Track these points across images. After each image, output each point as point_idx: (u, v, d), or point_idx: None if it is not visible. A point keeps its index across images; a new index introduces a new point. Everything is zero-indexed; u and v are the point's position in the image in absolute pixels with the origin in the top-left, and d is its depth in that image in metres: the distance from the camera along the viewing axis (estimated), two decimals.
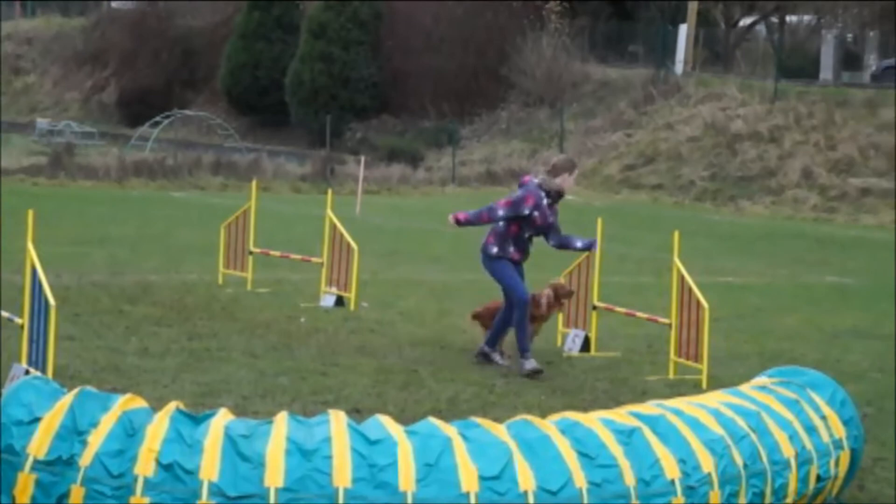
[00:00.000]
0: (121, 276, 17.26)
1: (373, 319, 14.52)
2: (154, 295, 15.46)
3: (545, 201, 11.59)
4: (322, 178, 41.81)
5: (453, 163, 46.57)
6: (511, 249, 11.61)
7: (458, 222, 11.82)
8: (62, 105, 63.13)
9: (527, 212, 11.50)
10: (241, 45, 56.93)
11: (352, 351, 12.33)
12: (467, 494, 5.93)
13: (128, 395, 6.30)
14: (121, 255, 20.09)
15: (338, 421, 6.19)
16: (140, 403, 6.27)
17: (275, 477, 5.81)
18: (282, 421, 6.15)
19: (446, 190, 42.82)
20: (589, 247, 12.23)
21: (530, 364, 11.43)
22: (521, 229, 11.61)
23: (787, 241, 30.57)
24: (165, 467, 5.81)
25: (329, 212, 16.03)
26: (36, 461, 5.83)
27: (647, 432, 6.51)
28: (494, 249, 11.68)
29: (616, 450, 6.32)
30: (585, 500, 6.07)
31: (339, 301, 15.51)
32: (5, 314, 10.56)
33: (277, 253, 17.65)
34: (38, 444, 5.86)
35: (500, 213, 11.59)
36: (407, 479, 5.92)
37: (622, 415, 6.75)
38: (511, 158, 48.34)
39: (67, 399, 6.08)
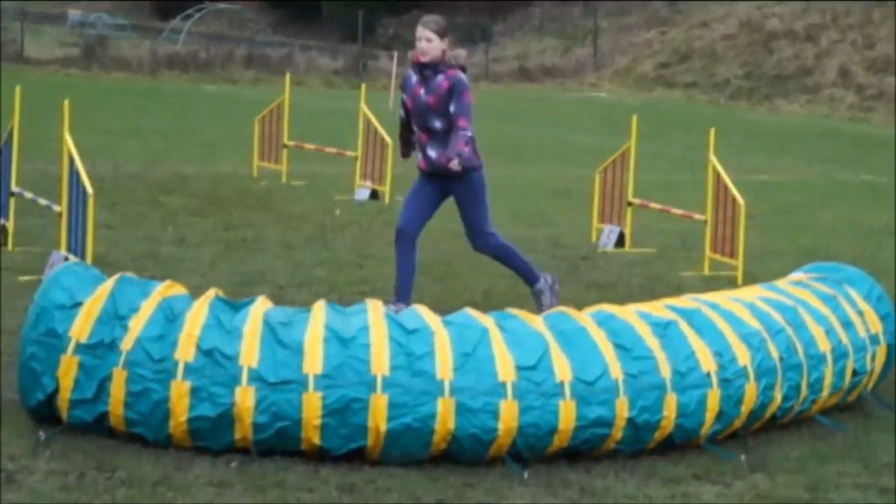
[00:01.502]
0: (156, 167, 17.33)
1: None
2: (189, 186, 15.52)
3: (413, 78, 8.88)
4: (354, 73, 41.68)
5: (486, 59, 46.26)
6: (419, 157, 9.04)
7: (407, 154, 9.24)
8: None
9: (402, 97, 8.99)
10: None
11: (386, 243, 12.31)
12: (504, 384, 5.97)
13: (167, 282, 6.35)
14: (155, 146, 20.15)
15: (375, 310, 6.23)
16: (179, 290, 6.32)
17: (313, 363, 5.86)
18: (319, 309, 6.19)
19: (479, 86, 42.58)
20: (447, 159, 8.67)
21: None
22: (412, 124, 9.01)
23: (822, 140, 30.37)
24: (205, 352, 5.87)
25: (363, 106, 15.99)
26: (78, 344, 5.90)
27: (683, 325, 6.52)
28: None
29: (652, 342, 6.33)
30: (621, 391, 6.11)
31: (374, 194, 15.53)
32: (43, 202, 10.61)
33: (311, 146, 17.65)
34: (80, 328, 5.93)
35: (401, 111, 9.07)
36: (444, 367, 5.96)
37: (658, 308, 6.76)
38: (544, 55, 48.04)
39: (108, 284, 6.14)
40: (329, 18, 54.34)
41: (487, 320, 6.32)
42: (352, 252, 11.72)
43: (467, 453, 5.95)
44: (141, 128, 23.11)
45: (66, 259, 9.29)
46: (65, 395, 5.88)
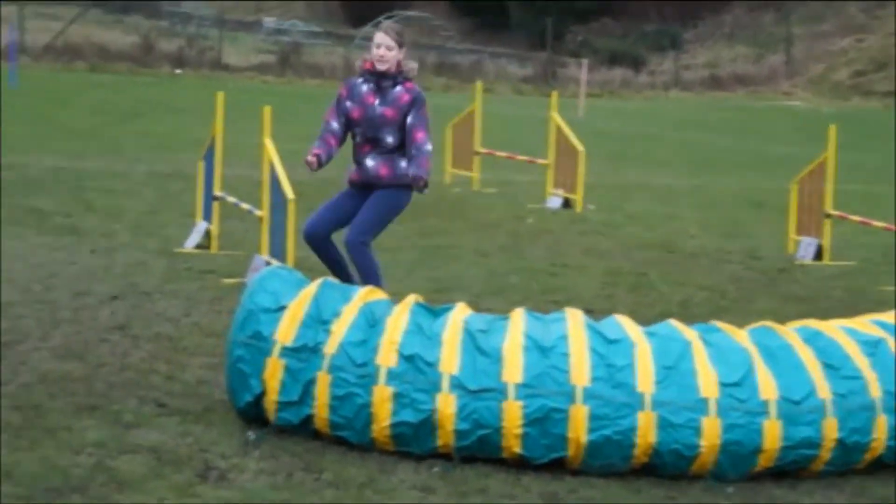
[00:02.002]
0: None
1: (599, 222, 14.49)
2: None
3: (364, 87, 8.40)
4: (544, 81, 41.67)
5: (676, 67, 45.83)
6: (352, 167, 8.69)
7: (318, 158, 8.49)
8: (287, 5, 64.06)
9: (343, 104, 8.48)
10: None
11: (580, 252, 12.33)
12: (706, 400, 5.88)
13: (368, 287, 6.43)
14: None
15: (574, 319, 6.20)
16: (380, 295, 6.40)
17: (513, 372, 5.86)
18: (519, 317, 6.19)
19: (669, 94, 42.24)
20: (413, 179, 8.29)
21: None
22: (353, 133, 8.58)
23: None
24: (407, 358, 5.92)
25: (554, 114, 15.99)
26: (283, 347, 6.00)
27: (892, 343, 6.35)
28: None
29: (861, 361, 6.17)
30: (830, 412, 5.97)
31: (566, 203, 15.52)
32: (245, 206, 10.85)
33: (503, 154, 17.70)
34: (285, 331, 6.03)
35: (329, 118, 8.55)
36: (645, 380, 5.90)
37: (865, 324, 6.58)
38: (735, 63, 47.39)
39: (311, 289, 6.24)
40: (518, 26, 54.45)
41: (691, 333, 6.24)
42: (545, 260, 11.72)
43: (669, 468, 5.89)
44: None
45: (268, 263, 9.48)
46: (272, 398, 5.99)
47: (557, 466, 5.84)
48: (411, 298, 6.32)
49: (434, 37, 53.94)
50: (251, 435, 5.97)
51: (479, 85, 17.98)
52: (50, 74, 34.16)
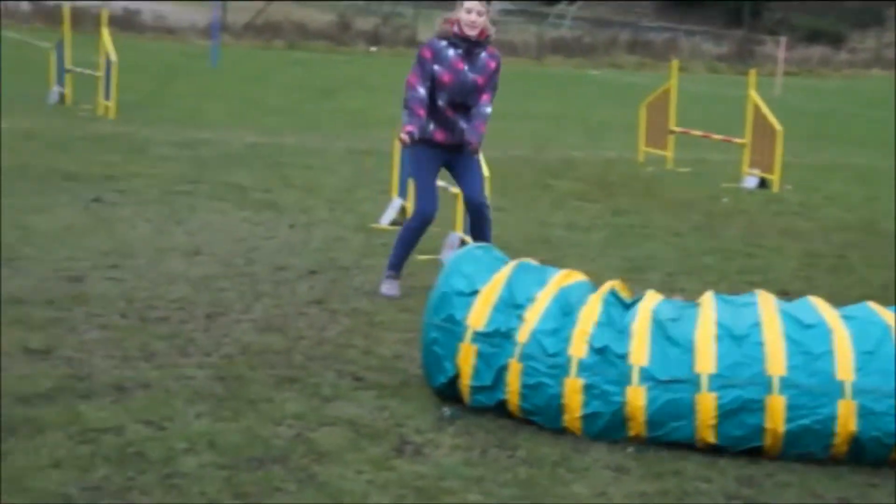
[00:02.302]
0: (544, 151, 17.58)
1: (797, 202, 14.22)
2: (577, 170, 15.67)
3: (451, 51, 8.40)
4: (739, 59, 40.99)
5: (878, 44, 44.61)
6: (430, 127, 8.50)
7: (411, 136, 8.34)
8: None
9: (428, 67, 8.37)
10: None
11: (776, 233, 12.12)
12: None
13: (564, 271, 6.38)
14: (543, 130, 20.45)
15: (766, 304, 6.02)
16: (577, 277, 6.34)
17: (705, 362, 5.75)
18: (709, 303, 6.07)
19: (871, 72, 41.15)
20: (469, 138, 8.48)
21: (388, 288, 8.69)
22: (436, 97, 8.44)
23: None
24: (597, 350, 5.86)
25: (752, 92, 15.73)
26: (475, 332, 6.01)
27: None
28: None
29: None
30: None
31: (762, 183, 15.27)
32: (441, 183, 10.91)
33: (698, 132, 17.50)
34: (477, 316, 6.04)
35: (416, 84, 8.39)
36: (844, 367, 5.73)
37: None
38: None
39: (505, 272, 6.21)
40: (714, 3, 53.65)
41: (890, 316, 6.05)
42: (740, 241, 11.55)
43: (869, 456, 5.74)
44: (529, 112, 23.50)
45: (463, 240, 9.55)
46: (465, 382, 6.01)
47: (754, 450, 5.76)
48: (607, 286, 6.25)
49: (628, 14, 53.50)
50: (446, 411, 6.03)
51: (674, 63, 17.80)
52: (249, 52, 34.89)
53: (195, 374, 6.39)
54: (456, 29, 8.41)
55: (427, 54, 8.45)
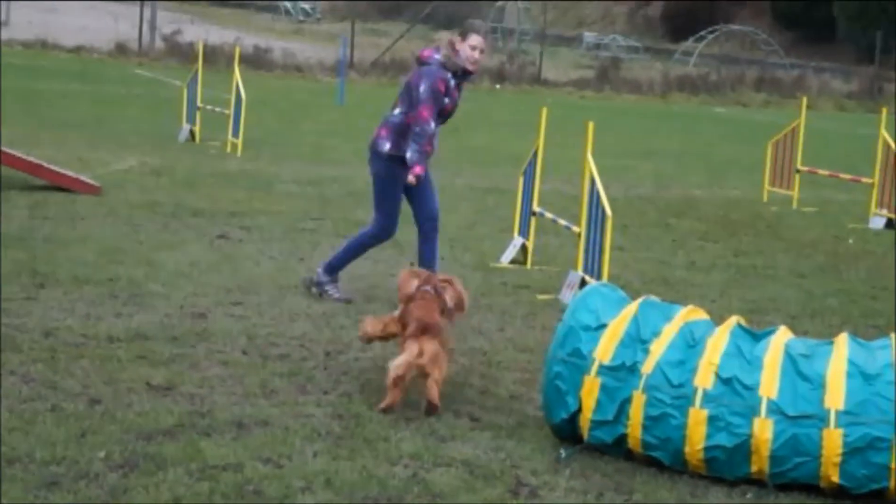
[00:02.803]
0: (666, 190, 17.48)
1: None
2: (699, 209, 15.56)
3: (453, 81, 8.95)
4: (869, 96, 40.40)
5: None
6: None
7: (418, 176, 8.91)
8: (609, 18, 64.22)
9: (441, 100, 8.90)
10: None
11: None
12: None
13: (689, 307, 6.39)
14: (665, 168, 20.34)
15: None
16: (701, 315, 6.36)
17: (835, 398, 5.72)
18: (843, 342, 6.04)
19: None
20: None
21: (340, 293, 9.28)
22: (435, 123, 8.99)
23: None
24: (724, 381, 5.85)
25: (882, 130, 15.50)
26: (601, 366, 6.04)
27: None
28: (387, 146, 8.99)
29: None
30: None
31: (889, 224, 15.02)
32: (562, 222, 10.93)
33: (825, 172, 17.27)
34: (604, 350, 6.07)
35: (430, 119, 8.87)
36: None
37: None
38: None
39: (632, 307, 6.26)
40: (844, 39, 52.99)
41: None
42: (866, 283, 11.36)
43: None
44: (651, 149, 23.39)
45: (583, 280, 9.53)
46: (587, 415, 6.03)
47: (875, 497, 5.66)
48: (733, 320, 6.26)
49: (755, 51, 53.06)
50: (563, 452, 6.02)
51: (803, 100, 17.61)
52: (375, 90, 35.23)
53: (314, 412, 6.46)
54: (460, 61, 8.93)
55: (442, 87, 8.90)
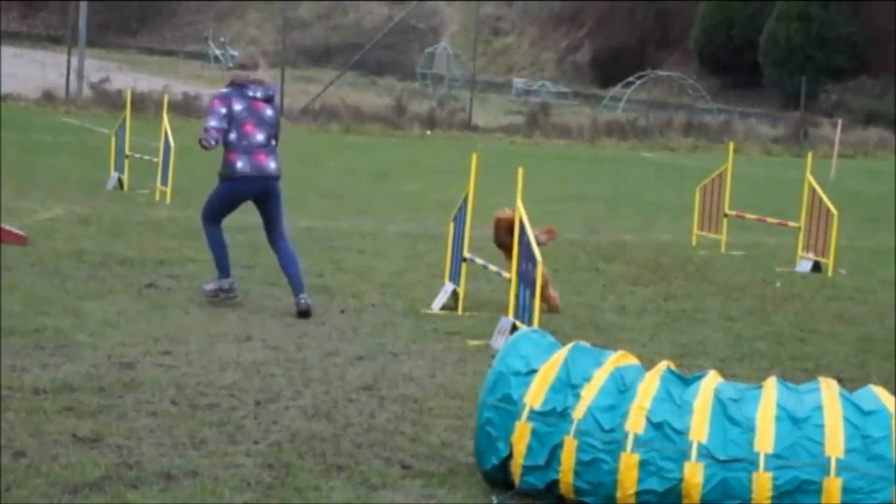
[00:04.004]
0: (596, 234, 17.57)
1: (851, 286, 14.10)
2: (629, 254, 15.65)
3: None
4: (795, 141, 40.94)
5: None
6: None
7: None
8: (538, 65, 64.71)
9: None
10: (715, 5, 56.49)
11: (830, 318, 12.02)
12: None
13: (620, 352, 6.42)
14: (595, 213, 20.46)
15: (829, 389, 6.04)
16: (631, 360, 6.38)
17: (765, 442, 5.75)
18: (771, 386, 6.08)
19: None
20: None
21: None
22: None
23: None
24: (655, 425, 5.87)
25: (808, 175, 15.68)
26: (532, 411, 6.03)
27: None
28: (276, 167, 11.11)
29: None
30: None
31: (816, 266, 15.17)
32: (493, 268, 10.94)
33: (752, 216, 17.43)
34: (534, 395, 6.07)
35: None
36: None
37: None
38: None
39: (562, 353, 6.27)
40: (770, 85, 53.71)
41: None
42: (794, 326, 11.46)
43: None
44: (581, 194, 23.53)
45: (514, 325, 9.54)
46: (518, 461, 6.02)
47: None
48: (663, 365, 6.28)
49: (683, 96, 53.64)
50: (494, 499, 5.99)
51: (731, 145, 17.81)
52: (306, 136, 35.21)
53: (243, 462, 6.40)
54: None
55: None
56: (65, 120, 34.58)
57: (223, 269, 10.87)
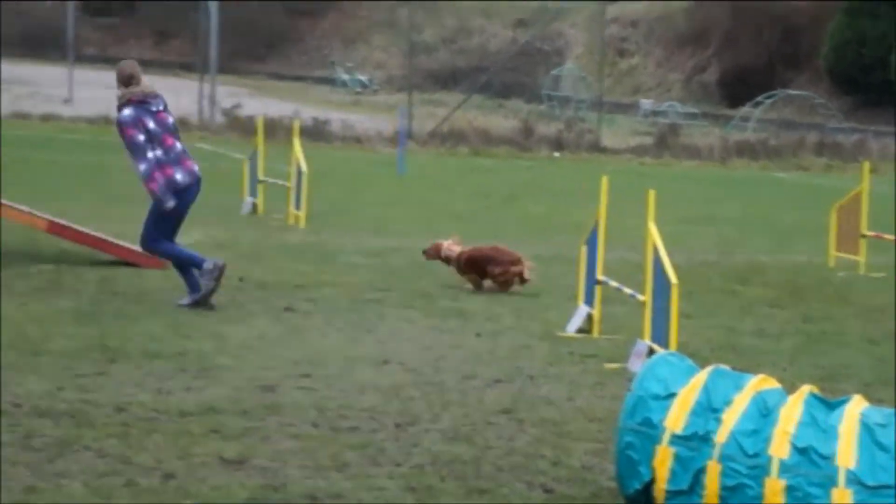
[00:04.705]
0: (729, 256, 17.39)
1: None
2: (764, 275, 15.46)
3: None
4: None
5: None
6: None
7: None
8: (665, 86, 64.26)
9: None
10: (845, 23, 55.58)
11: None
12: None
13: (760, 376, 6.34)
14: (728, 234, 20.25)
15: None
16: (772, 384, 6.30)
17: None
18: None
19: None
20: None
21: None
22: None
23: None
24: (800, 450, 5.79)
25: None
26: (673, 435, 5.99)
27: None
28: None
29: None
30: None
31: None
32: (627, 290, 10.89)
33: (891, 236, 17.11)
34: (675, 419, 6.03)
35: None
36: None
37: None
38: None
39: (702, 376, 6.22)
40: None
41: None
42: None
43: None
44: (713, 215, 23.31)
45: (651, 349, 9.48)
46: (661, 486, 5.98)
47: None
48: (805, 389, 6.20)
49: (814, 116, 52.85)
50: None
51: (865, 164, 17.51)
52: (434, 159, 35.41)
53: (386, 485, 6.44)
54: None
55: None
56: (198, 146, 35.19)
57: (194, 286, 11.19)
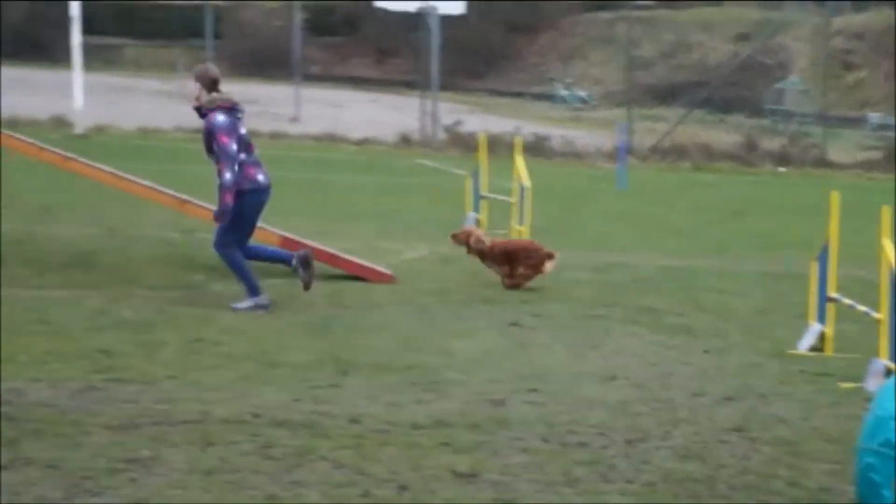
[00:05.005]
0: None
1: None
2: None
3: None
4: None
5: None
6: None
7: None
8: (893, 99, 62.50)
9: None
10: None
11: None
12: None
13: None
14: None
15: None
16: None
17: None
18: None
19: None
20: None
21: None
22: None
23: None
24: None
25: None
26: None
27: None
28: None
29: None
30: None
31: None
32: (861, 308, 10.62)
33: None
34: None
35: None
36: None
37: None
38: None
39: None
40: None
41: None
42: None
43: None
44: None
45: (888, 368, 9.22)
46: None
47: None
48: None
49: None
50: None
51: None
52: (655, 174, 35.14)
53: (618, 501, 6.41)
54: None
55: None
56: (420, 162, 35.65)
57: (253, 289, 11.46)
